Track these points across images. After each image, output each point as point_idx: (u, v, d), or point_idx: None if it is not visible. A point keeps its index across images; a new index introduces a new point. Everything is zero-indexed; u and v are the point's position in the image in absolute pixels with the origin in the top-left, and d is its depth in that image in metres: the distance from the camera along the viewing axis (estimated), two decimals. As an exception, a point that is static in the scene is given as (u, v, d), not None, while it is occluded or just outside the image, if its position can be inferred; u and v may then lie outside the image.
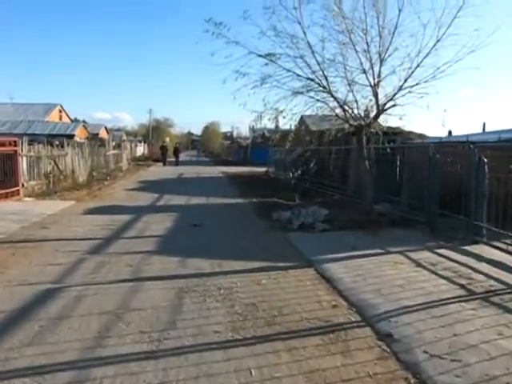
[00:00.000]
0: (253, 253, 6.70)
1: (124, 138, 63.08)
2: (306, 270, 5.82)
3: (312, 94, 9.52)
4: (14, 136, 14.60)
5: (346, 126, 9.63)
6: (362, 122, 9.10)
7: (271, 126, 45.35)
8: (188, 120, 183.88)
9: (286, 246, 7.27)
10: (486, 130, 22.73)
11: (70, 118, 47.05)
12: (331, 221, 9.22)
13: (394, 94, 8.79)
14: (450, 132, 23.99)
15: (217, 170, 28.65)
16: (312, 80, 8.88)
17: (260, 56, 8.75)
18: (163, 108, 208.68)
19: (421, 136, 16.37)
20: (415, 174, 9.73)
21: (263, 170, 26.99)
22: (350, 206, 11.71)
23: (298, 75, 8.90)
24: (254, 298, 4.70)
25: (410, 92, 8.76)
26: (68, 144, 16.83)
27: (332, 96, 8.87)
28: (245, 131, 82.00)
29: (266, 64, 8.96)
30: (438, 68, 8.41)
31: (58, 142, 15.88)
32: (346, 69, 9.02)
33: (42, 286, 5.00)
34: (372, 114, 9.03)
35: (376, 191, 11.96)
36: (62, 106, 45.37)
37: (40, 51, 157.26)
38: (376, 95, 8.69)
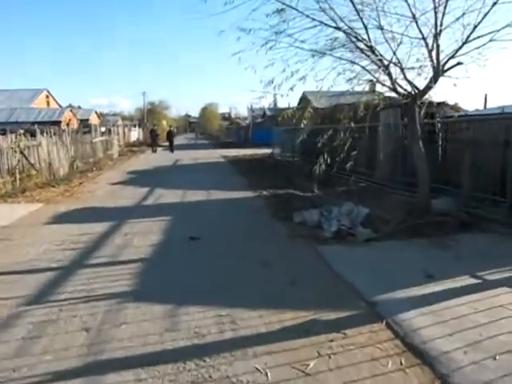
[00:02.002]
0: (279, 290, 4.41)
1: (119, 122, 60.41)
2: (375, 329, 3.53)
3: (341, 53, 7.11)
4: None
5: (389, 94, 7.22)
6: (414, 90, 6.67)
7: (270, 105, 42.69)
8: (185, 103, 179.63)
9: (324, 272, 4.97)
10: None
11: (58, 103, 44.30)
12: (372, 223, 6.93)
13: (458, 49, 6.36)
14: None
15: (217, 154, 26.20)
16: (346, 33, 6.45)
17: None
18: (160, 92, 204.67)
19: (454, 108, 13.90)
20: (480, 156, 7.39)
21: (267, 151, 24.62)
22: (384, 197, 9.42)
23: (326, 24, 6.46)
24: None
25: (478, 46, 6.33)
26: (42, 132, 14.38)
27: (373, 53, 6.43)
28: (243, 112, 79.38)
29: (279, 11, 6.51)
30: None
31: (22, 131, 13.42)
32: (385, 14, 6.58)
33: None
34: (426, 78, 6.59)
35: (412, 177, 9.69)
36: (48, 91, 42.60)
37: (31, 36, 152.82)
38: (437, 51, 6.25)
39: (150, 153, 29.25)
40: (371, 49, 6.43)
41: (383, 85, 6.81)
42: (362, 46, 6.71)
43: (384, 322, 3.61)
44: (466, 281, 4.42)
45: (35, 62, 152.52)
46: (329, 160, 8.50)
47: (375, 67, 7.01)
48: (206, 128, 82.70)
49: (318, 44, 7.21)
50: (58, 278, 4.86)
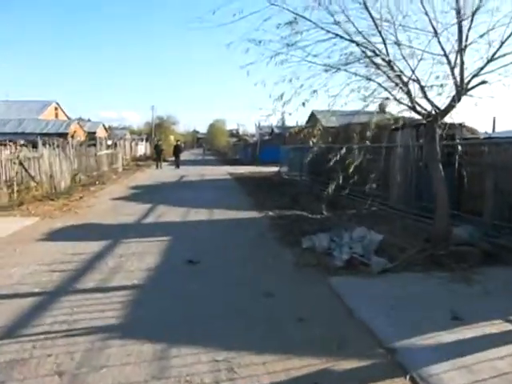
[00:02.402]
0: (285, 329, 3.88)
1: (128, 136, 60.54)
2: (397, 385, 3.00)
3: (355, 68, 6.69)
4: (3, 135, 12.08)
5: (406, 114, 6.74)
6: (434, 109, 6.19)
7: (278, 123, 42.51)
8: (193, 118, 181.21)
9: (336, 308, 4.43)
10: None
11: (67, 115, 44.39)
12: (387, 251, 6.39)
13: (482, 67, 5.90)
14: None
15: (223, 171, 25.81)
16: (363, 47, 6.03)
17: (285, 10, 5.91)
18: (169, 107, 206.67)
19: (472, 131, 13.40)
20: (502, 181, 6.87)
21: (274, 169, 24.20)
22: (398, 222, 8.89)
23: (342, 37, 6.05)
24: None
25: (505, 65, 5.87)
26: (45, 143, 14.06)
27: (392, 69, 5.99)
28: (251, 129, 79.45)
29: (291, 23, 6.12)
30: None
31: (22, 142, 13.10)
32: (404, 29, 6.16)
33: None
34: (448, 97, 6.11)
35: (428, 201, 9.18)
36: (58, 104, 42.74)
37: (44, 50, 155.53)
38: (461, 68, 5.79)
39: (155, 168, 28.59)
40: (389, 64, 5.99)
41: (401, 103, 6.33)
42: (379, 61, 6.28)
43: (408, 377, 3.07)
44: (501, 326, 3.86)
45: (47, 73, 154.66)
46: (340, 181, 8.03)
47: (392, 84, 6.58)
48: (213, 144, 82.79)
49: (331, 58, 6.81)
50: (39, 307, 4.36)
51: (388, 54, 5.96)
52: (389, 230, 8.22)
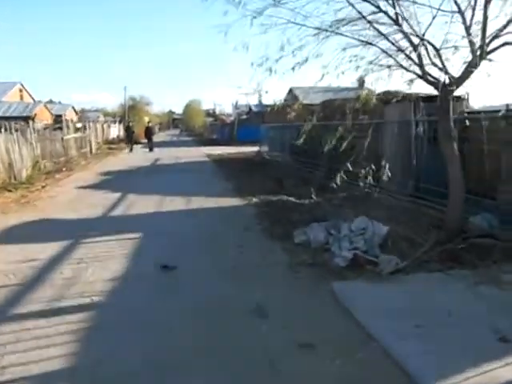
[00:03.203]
0: (286, 361, 2.94)
1: (101, 118, 58.08)
2: None
3: (351, 33, 5.69)
4: None
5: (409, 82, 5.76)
6: (449, 77, 5.23)
7: (259, 98, 41.16)
8: (169, 99, 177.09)
9: (348, 331, 3.50)
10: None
11: (33, 98, 41.94)
12: (393, 244, 5.53)
13: (506, 25, 4.95)
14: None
15: (200, 152, 24.56)
16: (367, 1, 5.00)
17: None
18: (143, 88, 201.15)
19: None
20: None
21: (253, 149, 23.13)
22: (398, 208, 8.06)
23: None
24: None
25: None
26: (0, 127, 12.64)
27: (400, 28, 4.99)
28: (228, 109, 77.78)
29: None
30: None
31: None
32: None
33: None
34: (465, 62, 5.15)
35: (422, 182, 8.39)
36: (22, 85, 40.24)
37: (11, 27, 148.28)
38: (483, 25, 4.82)
39: (127, 152, 26.72)
40: (397, 22, 4.98)
41: (408, 71, 5.35)
42: (382, 20, 5.28)
43: None
44: None
45: (12, 54, 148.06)
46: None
47: (394, 50, 5.59)
48: (189, 125, 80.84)
49: (323, 22, 5.80)
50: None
51: (395, 7, 4.92)
52: (388, 217, 7.37)
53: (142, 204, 9.02)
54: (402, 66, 5.34)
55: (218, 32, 5.80)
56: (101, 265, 5.14)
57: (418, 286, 4.29)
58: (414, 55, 5.41)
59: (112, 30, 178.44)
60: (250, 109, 47.24)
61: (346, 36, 5.70)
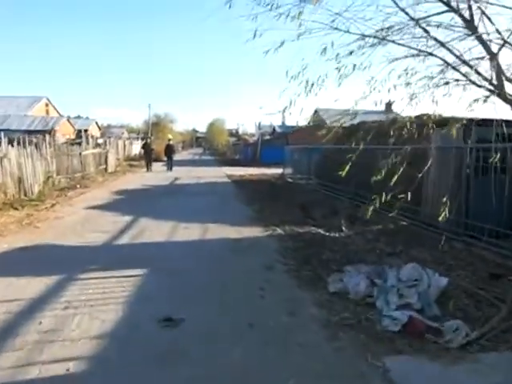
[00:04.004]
0: None
1: (125, 135, 58.40)
2: None
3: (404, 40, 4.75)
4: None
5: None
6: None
7: (283, 118, 40.36)
8: (193, 117, 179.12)
9: None
10: None
11: (58, 112, 42.29)
12: (453, 301, 4.42)
13: None
14: None
15: (221, 173, 23.71)
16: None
17: None
18: (168, 105, 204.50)
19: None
20: None
21: (276, 171, 22.22)
22: (446, 246, 6.91)
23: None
24: None
25: None
26: (12, 141, 12.05)
27: (473, 31, 3.99)
28: (250, 129, 77.69)
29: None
30: None
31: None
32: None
33: None
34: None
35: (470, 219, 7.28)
36: (48, 99, 40.61)
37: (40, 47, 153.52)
38: None
39: (145, 171, 24.44)
40: (470, 25, 3.97)
41: (479, 86, 4.32)
42: (446, 25, 4.29)
43: None
44: None
45: (40, 69, 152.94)
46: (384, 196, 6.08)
47: (458, 63, 4.59)
48: (212, 143, 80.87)
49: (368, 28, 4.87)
50: None
51: (471, 7, 3.93)
52: (433, 259, 6.30)
53: (152, 230, 8.08)
54: (470, 81, 4.31)
55: (245, 42, 4.93)
56: (91, 312, 4.17)
57: (504, 369, 3.17)
58: (482, 67, 4.41)
59: (139, 45, 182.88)
60: (274, 129, 46.68)
61: (399, 44, 4.74)
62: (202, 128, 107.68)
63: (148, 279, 5.28)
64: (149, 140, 29.28)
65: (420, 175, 6.12)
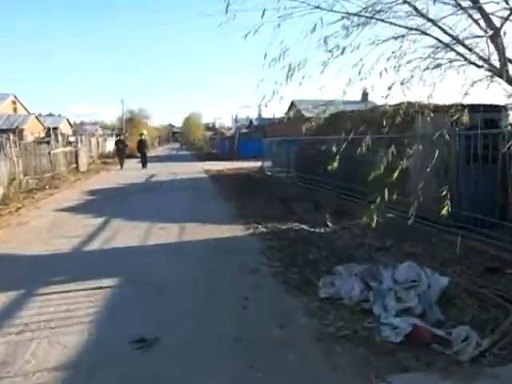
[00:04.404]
0: None
1: (99, 132, 56.82)
2: None
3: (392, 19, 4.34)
4: None
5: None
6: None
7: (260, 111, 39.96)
8: (169, 112, 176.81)
9: None
10: None
11: (27, 110, 40.66)
12: (455, 303, 4.06)
13: None
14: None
15: (199, 168, 23.07)
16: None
17: None
18: (143, 101, 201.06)
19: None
20: None
21: (255, 165, 21.76)
22: (441, 241, 6.62)
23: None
24: None
25: None
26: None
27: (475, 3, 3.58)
28: (227, 122, 76.96)
29: None
30: None
31: None
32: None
33: None
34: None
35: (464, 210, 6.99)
36: (16, 97, 38.92)
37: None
38: None
39: (118, 169, 23.14)
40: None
41: (479, 67, 3.92)
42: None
43: None
44: None
45: (8, 66, 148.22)
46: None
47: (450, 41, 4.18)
48: (189, 138, 79.73)
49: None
50: None
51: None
52: (425, 253, 5.99)
53: (125, 233, 7.51)
54: (469, 61, 3.90)
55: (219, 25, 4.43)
56: (51, 336, 3.63)
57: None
58: (479, 48, 4.01)
59: (112, 42, 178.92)
60: (251, 122, 46.14)
61: (387, 22, 4.31)
62: (178, 123, 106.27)
63: (119, 291, 4.75)
64: (122, 136, 27.61)
65: (405, 164, 5.76)
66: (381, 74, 4.18)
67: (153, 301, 4.42)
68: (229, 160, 28.72)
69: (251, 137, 33.83)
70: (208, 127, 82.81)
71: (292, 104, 38.12)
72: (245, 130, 42.33)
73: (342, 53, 4.06)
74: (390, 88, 4.17)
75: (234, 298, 4.46)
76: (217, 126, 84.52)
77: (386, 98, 4.34)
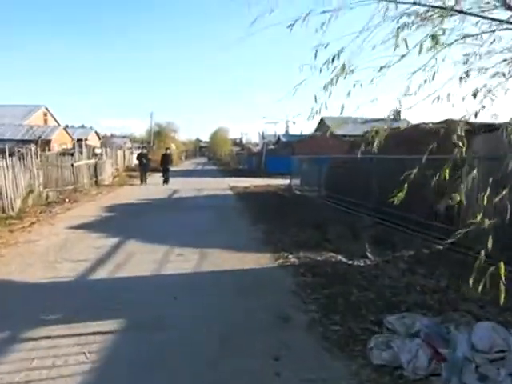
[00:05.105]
0: None
1: (128, 144, 57.26)
2: None
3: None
4: None
5: None
6: None
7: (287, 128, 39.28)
8: (196, 126, 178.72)
9: None
10: None
11: (57, 121, 41.16)
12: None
13: None
14: None
15: (225, 184, 22.28)
16: None
17: None
18: (171, 115, 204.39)
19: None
20: None
21: (282, 182, 20.90)
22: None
23: None
24: None
25: None
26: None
27: None
28: (254, 137, 76.66)
29: None
30: None
31: None
32: None
33: None
34: None
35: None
36: (47, 109, 39.50)
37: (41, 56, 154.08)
38: None
39: (140, 184, 21.75)
40: None
41: None
42: None
43: None
44: None
45: (41, 80, 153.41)
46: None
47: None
48: (215, 153, 79.79)
49: None
50: None
51: None
52: (495, 299, 4.85)
53: (139, 259, 6.68)
54: None
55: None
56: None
57: None
58: None
59: (143, 57, 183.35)
60: (279, 138, 45.46)
61: (475, 15, 3.37)
62: (205, 137, 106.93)
63: (120, 338, 3.88)
64: (145, 150, 26.16)
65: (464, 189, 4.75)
66: (461, 79, 3.24)
67: (156, 357, 3.52)
68: (255, 176, 27.99)
69: (279, 153, 33.09)
70: (235, 142, 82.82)
71: (321, 121, 37.27)
72: (272, 147, 41.65)
73: (403, 57, 3.16)
74: (474, 95, 3.21)
75: (261, 358, 3.51)
76: (244, 141, 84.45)
77: (475, 115, 3.39)
